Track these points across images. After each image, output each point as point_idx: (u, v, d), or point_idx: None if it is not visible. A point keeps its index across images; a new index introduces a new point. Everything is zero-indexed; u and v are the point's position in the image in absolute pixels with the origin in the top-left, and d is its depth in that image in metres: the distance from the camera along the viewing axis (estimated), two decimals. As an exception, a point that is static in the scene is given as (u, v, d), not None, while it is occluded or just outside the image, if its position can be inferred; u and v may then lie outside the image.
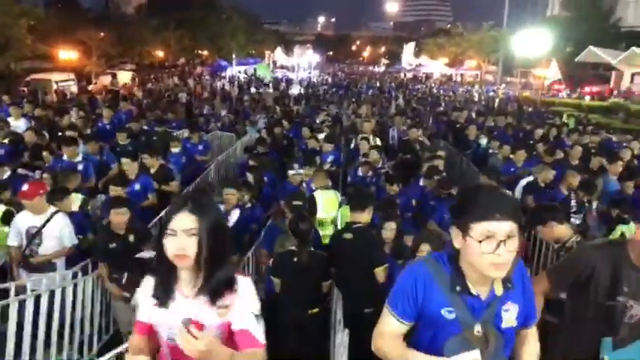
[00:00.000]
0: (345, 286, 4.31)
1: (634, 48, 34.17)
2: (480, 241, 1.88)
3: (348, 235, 4.37)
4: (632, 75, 37.17)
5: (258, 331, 1.97)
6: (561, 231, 4.24)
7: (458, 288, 2.04)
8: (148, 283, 2.05)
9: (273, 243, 4.92)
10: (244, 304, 1.96)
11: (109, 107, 11.80)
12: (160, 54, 47.93)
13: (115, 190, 5.81)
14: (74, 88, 28.41)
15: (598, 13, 40.24)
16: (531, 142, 10.63)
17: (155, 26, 43.76)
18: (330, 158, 8.92)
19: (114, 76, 33.90)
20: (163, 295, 1.97)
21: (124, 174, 6.77)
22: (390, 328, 2.19)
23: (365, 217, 4.46)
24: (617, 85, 38.00)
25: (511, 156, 8.82)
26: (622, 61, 35.15)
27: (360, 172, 7.93)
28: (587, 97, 33.93)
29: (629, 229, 5.75)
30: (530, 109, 24.88)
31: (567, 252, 4.15)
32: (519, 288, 2.12)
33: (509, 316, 2.08)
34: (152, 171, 7.22)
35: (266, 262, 5.13)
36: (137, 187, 6.66)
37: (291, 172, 7.14)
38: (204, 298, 1.93)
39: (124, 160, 6.85)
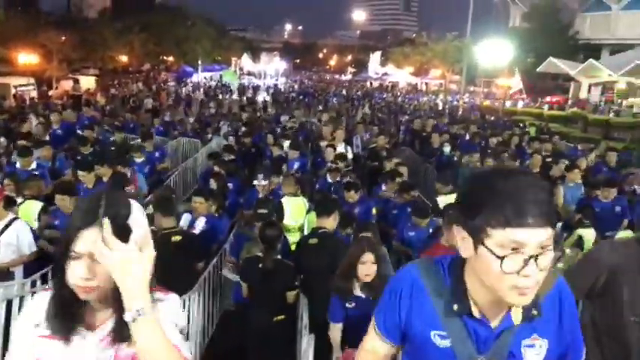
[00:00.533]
0: (310, 291, 4.32)
1: (591, 60, 35.40)
2: (502, 257, 1.30)
3: (313, 241, 4.41)
4: (590, 86, 38.46)
5: (183, 346, 1.50)
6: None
7: (455, 307, 1.47)
8: (37, 305, 1.54)
9: (240, 250, 4.89)
10: (167, 319, 1.50)
11: (59, 112, 11.59)
12: (124, 59, 47.13)
13: (62, 199, 5.56)
14: (34, 93, 27.66)
15: (557, 25, 41.54)
16: (489, 150, 10.84)
17: (119, 30, 43.04)
18: (296, 165, 8.92)
19: (76, 80, 33.13)
20: (62, 328, 1.48)
21: (71, 183, 6.49)
22: (371, 347, 1.71)
23: (330, 222, 4.50)
24: (576, 96, 39.27)
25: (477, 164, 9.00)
26: (580, 72, 36.34)
27: (328, 179, 7.98)
28: (546, 107, 34.96)
29: (587, 234, 5.92)
30: (492, 118, 25.43)
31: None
32: (553, 316, 1.53)
33: (534, 354, 1.50)
34: (105, 179, 7.03)
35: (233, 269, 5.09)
36: None
37: (255, 182, 7.10)
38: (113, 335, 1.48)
39: (80, 172, 6.74)
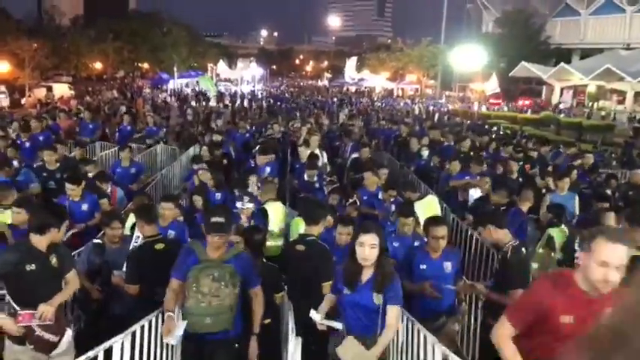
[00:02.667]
0: (296, 296, 4.35)
1: (562, 64, 36.21)
2: None
3: (300, 247, 4.44)
4: (562, 89, 39.33)
5: None
6: (499, 235, 4.42)
7: None
8: None
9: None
10: None
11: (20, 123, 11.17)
12: (98, 66, 46.61)
13: (17, 213, 5.30)
14: (5, 102, 27.15)
15: (529, 31, 42.45)
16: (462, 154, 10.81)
17: (92, 38, 42.58)
18: (267, 170, 8.57)
19: (49, 88, 32.66)
20: None
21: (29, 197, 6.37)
22: None
23: (317, 229, 4.53)
24: (548, 99, 40.09)
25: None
26: (552, 76, 37.16)
27: (305, 177, 8.03)
28: (526, 110, 35.62)
29: (558, 231, 6.04)
30: (468, 122, 25.78)
31: (503, 256, 4.33)
32: None
33: None
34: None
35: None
36: (84, 207, 6.48)
37: (239, 204, 6.06)
38: None
39: (68, 186, 6.43)
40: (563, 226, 6.22)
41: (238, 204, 5.96)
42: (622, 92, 36.95)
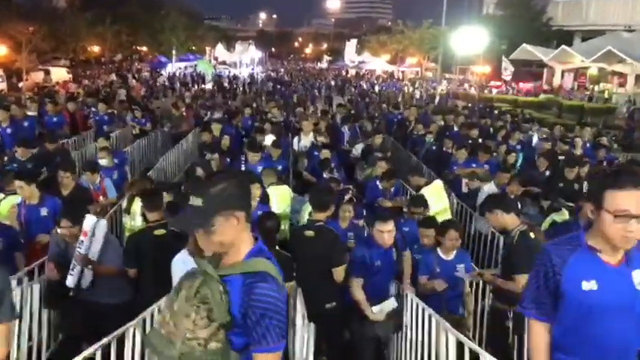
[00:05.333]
0: (305, 282, 4.34)
1: (564, 46, 35.92)
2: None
3: (309, 233, 4.45)
4: (563, 72, 39.08)
5: None
6: (507, 220, 4.40)
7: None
8: None
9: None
10: None
11: (5, 108, 10.03)
12: (96, 49, 46.21)
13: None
14: (3, 85, 26.97)
15: (530, 12, 42.04)
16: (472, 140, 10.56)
17: (90, 20, 42.12)
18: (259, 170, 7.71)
19: (47, 72, 32.42)
20: None
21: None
22: None
23: (325, 215, 4.55)
24: (549, 82, 39.87)
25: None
26: (553, 58, 36.86)
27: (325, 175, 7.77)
28: (542, 94, 35.34)
29: (560, 216, 6.05)
30: (469, 105, 25.64)
31: (510, 241, 4.32)
32: None
33: None
34: (65, 193, 6.09)
35: None
36: (44, 212, 5.49)
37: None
38: None
39: (17, 183, 5.44)
40: (563, 210, 6.25)
41: None
42: (623, 75, 36.71)
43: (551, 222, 5.95)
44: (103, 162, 7.55)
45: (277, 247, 4.40)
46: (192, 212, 1.91)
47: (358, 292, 4.31)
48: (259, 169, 7.16)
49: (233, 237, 1.94)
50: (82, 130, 12.32)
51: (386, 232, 4.20)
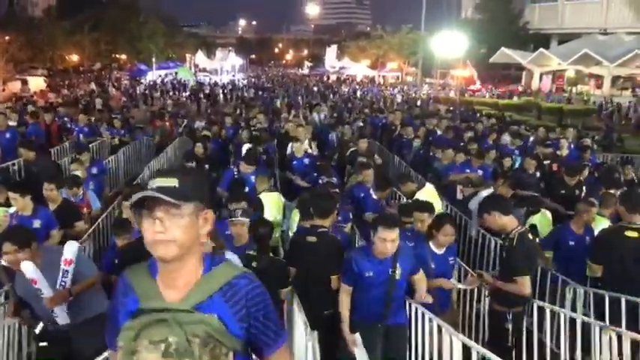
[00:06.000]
0: (305, 288, 4.29)
1: (541, 49, 36.52)
2: None
3: (311, 239, 4.37)
4: (541, 74, 39.69)
5: None
6: (505, 222, 4.40)
7: None
8: None
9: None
10: None
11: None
12: (75, 58, 45.65)
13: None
14: (-20, 96, 26.46)
15: (508, 16, 42.69)
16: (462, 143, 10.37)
17: (67, 29, 41.63)
18: (252, 179, 7.29)
19: (24, 82, 31.91)
20: None
21: None
22: None
23: (328, 222, 4.48)
24: (528, 84, 40.44)
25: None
26: (531, 61, 37.45)
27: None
28: (515, 97, 35.73)
29: (540, 218, 6.11)
30: (451, 109, 25.84)
31: (509, 244, 4.32)
32: None
33: None
34: (52, 207, 5.81)
35: None
36: (36, 224, 5.24)
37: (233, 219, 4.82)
38: None
39: (10, 195, 5.31)
40: (543, 210, 6.31)
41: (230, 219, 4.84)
42: (600, 77, 37.41)
43: (531, 226, 5.98)
44: (77, 173, 7.24)
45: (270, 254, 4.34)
46: (163, 192, 1.53)
47: (343, 302, 4.02)
48: (253, 178, 6.91)
49: (193, 239, 1.60)
50: (56, 142, 11.70)
51: (389, 241, 3.76)
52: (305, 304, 4.04)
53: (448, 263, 4.65)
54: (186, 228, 1.57)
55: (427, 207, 5.14)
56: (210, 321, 1.57)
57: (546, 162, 9.39)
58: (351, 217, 6.11)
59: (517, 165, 9.36)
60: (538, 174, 8.53)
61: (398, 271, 3.94)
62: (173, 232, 1.55)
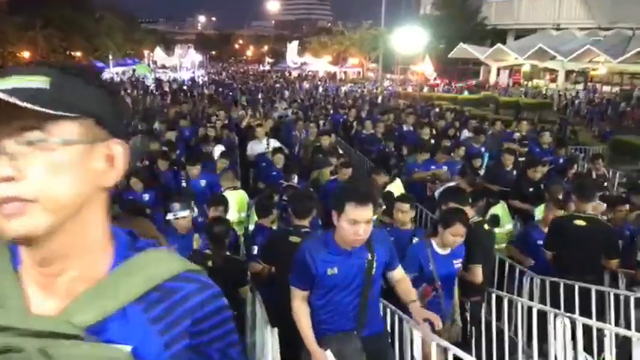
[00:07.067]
0: (283, 288, 4.14)
1: (499, 44, 37.34)
2: None
3: (295, 239, 4.16)
4: (498, 69, 40.57)
5: None
6: (463, 213, 4.49)
7: None
8: None
9: None
10: None
11: None
12: (27, 55, 44.15)
13: None
14: None
15: (465, 12, 43.42)
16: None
17: (19, 25, 40.23)
18: (202, 183, 6.94)
19: (-26, 80, 30.69)
20: None
21: None
22: None
23: (306, 222, 4.35)
24: (486, 79, 41.27)
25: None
26: (489, 56, 38.24)
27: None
28: (466, 92, 36.37)
29: (498, 210, 6.25)
30: (411, 104, 26.10)
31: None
32: None
33: None
34: None
35: None
36: None
37: (170, 215, 4.68)
38: None
39: None
40: (501, 202, 6.46)
41: (169, 216, 4.63)
42: (554, 71, 38.51)
43: (492, 216, 6.10)
44: None
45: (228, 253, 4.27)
46: (23, 97, 0.74)
47: (299, 312, 3.13)
48: (202, 183, 6.70)
49: (83, 196, 0.83)
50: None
51: (363, 223, 2.82)
52: (278, 304, 3.89)
53: (452, 266, 4.04)
54: (66, 170, 0.80)
55: (410, 199, 5.11)
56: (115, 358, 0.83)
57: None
58: (320, 222, 5.70)
59: (485, 162, 9.00)
60: (515, 172, 8.08)
61: (374, 263, 3.04)
62: (36, 178, 0.78)
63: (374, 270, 3.03)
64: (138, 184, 6.45)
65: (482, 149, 9.74)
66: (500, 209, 6.26)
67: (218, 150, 8.65)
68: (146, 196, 6.44)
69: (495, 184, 7.64)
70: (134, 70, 44.26)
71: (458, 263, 4.04)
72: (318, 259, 3.00)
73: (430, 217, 7.08)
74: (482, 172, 8.50)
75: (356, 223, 2.83)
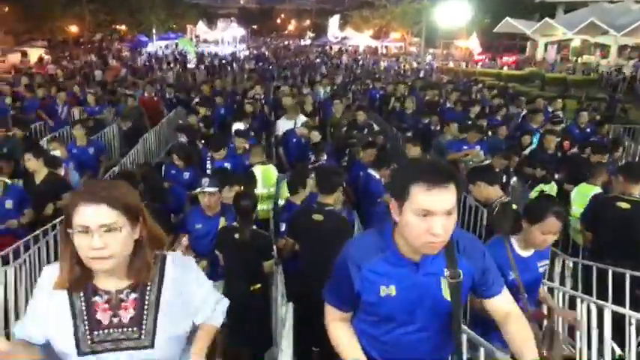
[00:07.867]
0: (309, 265, 4.20)
1: (547, 19, 35.86)
2: None
3: (318, 217, 4.16)
4: (546, 44, 39.06)
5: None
6: (490, 192, 4.40)
7: None
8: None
9: None
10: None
11: None
12: (74, 29, 45.22)
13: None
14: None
15: (513, -16, 41.79)
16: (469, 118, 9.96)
17: (65, 0, 41.13)
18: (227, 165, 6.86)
19: (24, 53, 31.69)
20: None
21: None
22: None
23: (333, 198, 4.32)
24: (533, 55, 39.84)
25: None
26: (536, 31, 36.80)
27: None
28: (505, 67, 35.31)
29: (550, 188, 6.06)
30: (453, 80, 25.52)
31: (491, 212, 4.31)
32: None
33: None
34: (38, 180, 5.74)
35: None
36: (8, 204, 5.25)
37: (198, 190, 4.69)
38: None
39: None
40: (553, 183, 6.27)
41: (197, 190, 4.66)
42: (606, 46, 36.79)
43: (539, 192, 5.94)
44: (55, 153, 6.91)
45: (255, 227, 4.32)
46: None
47: (340, 338, 2.16)
48: (227, 165, 6.59)
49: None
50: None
51: (440, 215, 1.77)
52: (308, 282, 3.92)
53: (537, 271, 3.19)
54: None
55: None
56: None
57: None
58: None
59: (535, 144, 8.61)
60: (559, 154, 7.85)
61: (460, 276, 1.99)
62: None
63: (459, 282, 1.98)
64: (179, 160, 6.46)
65: (539, 129, 9.26)
66: (551, 189, 6.08)
67: (237, 127, 8.41)
68: (186, 174, 6.41)
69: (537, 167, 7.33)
70: (176, 44, 44.76)
71: (543, 265, 3.23)
72: (365, 268, 2.01)
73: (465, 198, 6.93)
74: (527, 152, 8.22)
75: (429, 214, 1.78)
